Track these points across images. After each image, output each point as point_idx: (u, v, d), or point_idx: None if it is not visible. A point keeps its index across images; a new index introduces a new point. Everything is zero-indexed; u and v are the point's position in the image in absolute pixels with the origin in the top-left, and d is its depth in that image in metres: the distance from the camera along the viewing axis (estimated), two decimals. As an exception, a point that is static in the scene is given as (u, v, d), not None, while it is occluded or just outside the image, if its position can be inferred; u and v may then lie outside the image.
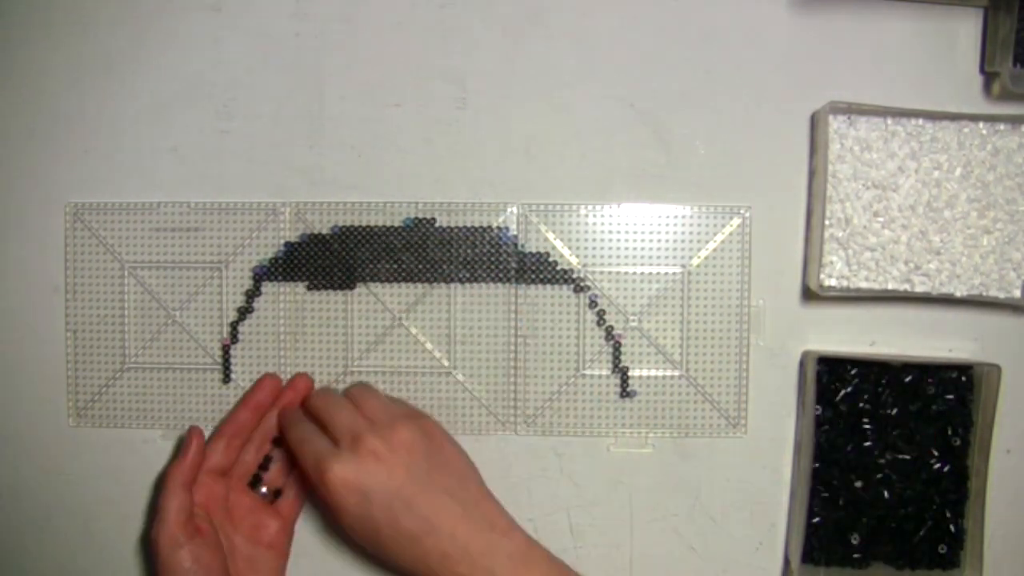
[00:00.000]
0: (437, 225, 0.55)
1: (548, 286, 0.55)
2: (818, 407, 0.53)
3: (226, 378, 0.56)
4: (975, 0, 0.53)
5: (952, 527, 0.54)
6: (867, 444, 0.53)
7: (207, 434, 0.54)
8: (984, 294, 0.53)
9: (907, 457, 0.53)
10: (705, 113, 0.55)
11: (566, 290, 0.55)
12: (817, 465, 0.53)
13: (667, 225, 0.55)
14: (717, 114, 0.55)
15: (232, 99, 0.56)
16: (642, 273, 0.55)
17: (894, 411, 0.53)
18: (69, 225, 0.56)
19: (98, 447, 0.57)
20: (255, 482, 0.53)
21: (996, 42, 0.51)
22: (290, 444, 0.50)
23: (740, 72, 0.55)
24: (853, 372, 0.53)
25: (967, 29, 0.54)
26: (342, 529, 0.48)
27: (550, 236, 0.55)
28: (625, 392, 0.55)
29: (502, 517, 0.48)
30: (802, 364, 0.55)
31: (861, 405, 0.53)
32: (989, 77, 0.54)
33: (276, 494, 0.53)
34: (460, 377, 0.56)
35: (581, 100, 0.55)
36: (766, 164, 0.55)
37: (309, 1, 0.55)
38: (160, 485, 0.52)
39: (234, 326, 0.56)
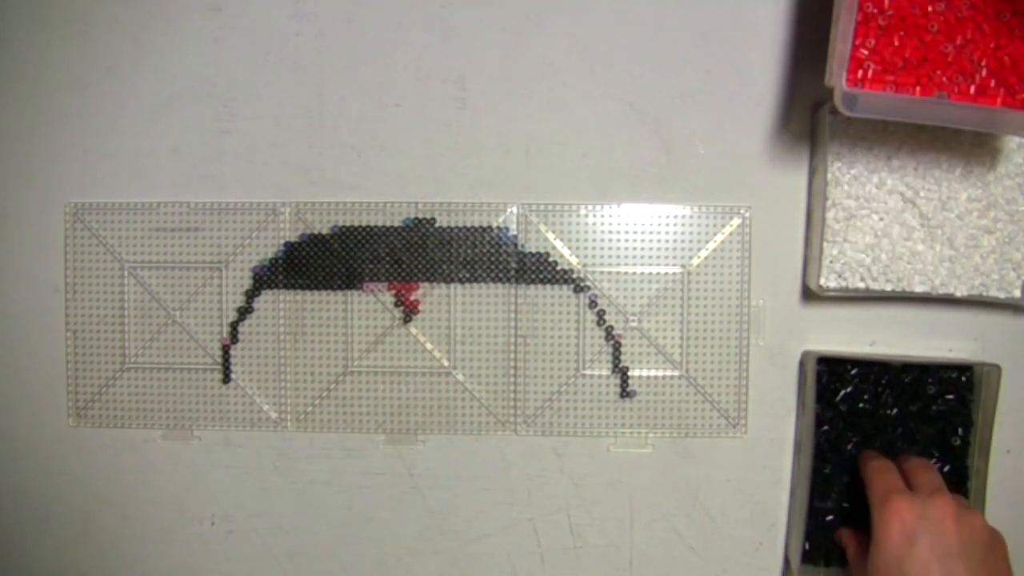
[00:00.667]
0: (437, 225, 0.55)
1: (548, 286, 0.55)
2: (818, 407, 0.53)
3: (226, 378, 0.56)
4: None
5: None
6: (867, 444, 0.53)
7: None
8: (984, 294, 0.53)
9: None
10: (705, 113, 0.55)
11: (566, 290, 0.55)
12: (817, 465, 0.53)
13: (667, 225, 0.55)
14: (717, 114, 0.55)
15: (232, 99, 0.56)
16: (642, 273, 0.55)
17: (894, 411, 0.53)
18: (69, 225, 0.56)
19: (98, 447, 0.57)
20: None
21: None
22: (867, 471, 0.50)
23: (740, 72, 0.55)
24: (853, 372, 0.53)
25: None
26: (869, 562, 0.47)
27: (550, 236, 0.55)
28: (625, 392, 0.55)
29: None
30: (802, 364, 0.55)
31: (861, 405, 0.53)
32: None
33: None
34: (460, 377, 0.56)
35: (581, 100, 0.55)
36: (766, 164, 0.55)
37: (309, 1, 0.55)
38: None
39: (234, 326, 0.56)
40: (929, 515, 0.46)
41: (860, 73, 0.46)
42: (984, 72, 0.46)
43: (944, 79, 0.46)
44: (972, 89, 0.46)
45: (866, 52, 0.46)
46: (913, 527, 0.46)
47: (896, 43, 0.46)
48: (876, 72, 0.46)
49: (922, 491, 0.48)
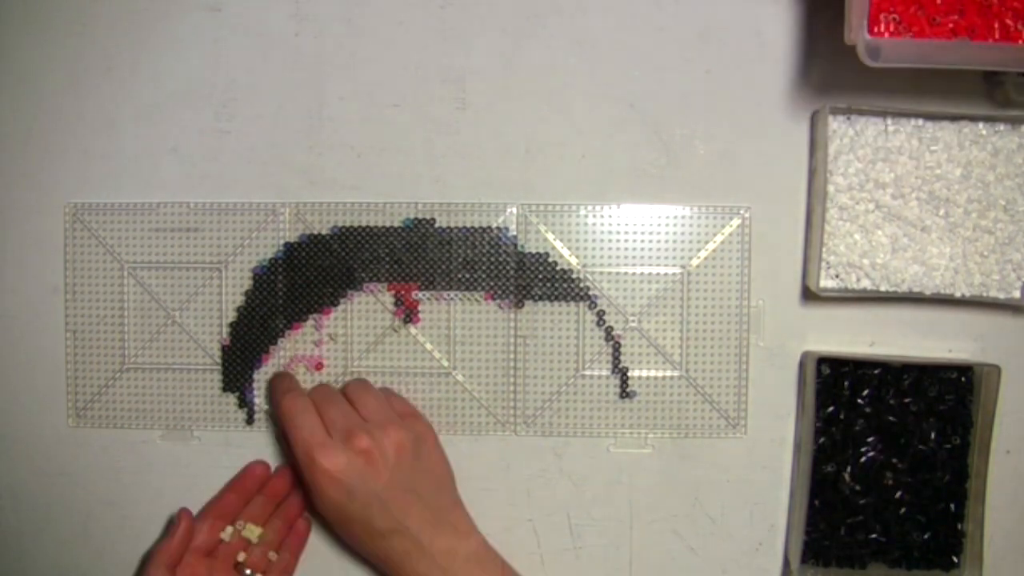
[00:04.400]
0: (437, 226, 0.55)
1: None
2: (818, 407, 0.53)
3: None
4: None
5: (952, 527, 0.54)
6: (867, 444, 0.53)
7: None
8: (984, 294, 0.53)
9: (907, 457, 0.53)
10: (705, 113, 0.55)
11: (574, 304, 0.55)
12: (817, 465, 0.53)
13: (667, 225, 0.55)
14: (717, 114, 0.55)
15: (232, 99, 0.56)
16: (642, 273, 0.55)
17: (894, 411, 0.53)
18: (69, 225, 0.56)
19: (98, 447, 0.57)
20: (241, 560, 0.52)
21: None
22: (282, 418, 0.51)
23: (740, 72, 0.55)
24: (853, 372, 0.53)
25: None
26: (317, 509, 0.50)
27: (550, 236, 0.55)
28: (625, 392, 0.55)
29: (465, 522, 0.52)
30: (802, 364, 0.55)
31: (861, 405, 0.53)
32: (990, 78, 0.54)
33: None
34: (460, 377, 0.56)
35: (581, 100, 0.55)
36: (766, 164, 0.55)
37: (309, 1, 0.55)
38: (145, 562, 0.53)
39: (233, 327, 0.56)
40: (352, 462, 0.48)
41: (881, 26, 0.47)
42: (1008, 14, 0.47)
43: (964, 25, 0.47)
44: (996, 31, 0.47)
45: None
46: (342, 479, 0.48)
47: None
48: (896, 22, 0.47)
49: (338, 432, 0.49)
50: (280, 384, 0.53)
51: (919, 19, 0.47)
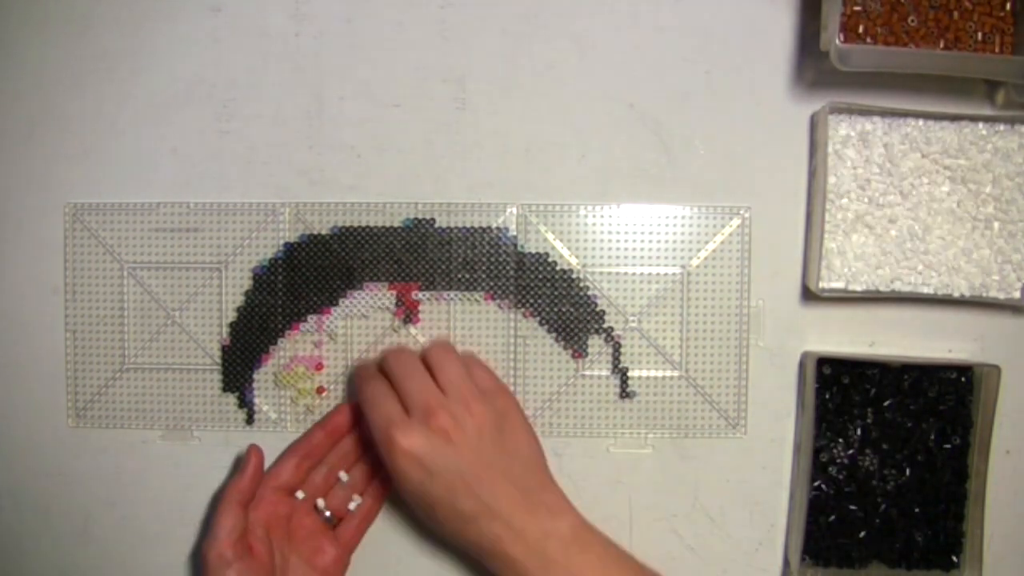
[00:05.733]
0: (436, 226, 0.55)
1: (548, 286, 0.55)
2: (817, 407, 0.53)
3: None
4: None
5: (951, 528, 0.54)
6: (867, 444, 0.53)
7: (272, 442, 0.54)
8: (984, 294, 0.53)
9: (906, 458, 0.53)
10: (705, 113, 0.55)
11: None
12: (817, 465, 0.53)
13: (667, 225, 0.55)
14: (717, 114, 0.55)
15: (232, 99, 0.56)
16: (642, 273, 0.55)
17: (894, 411, 0.53)
18: (69, 226, 0.56)
19: (97, 447, 0.57)
20: (320, 506, 0.52)
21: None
22: (362, 403, 0.50)
23: (740, 72, 0.55)
24: (853, 373, 0.53)
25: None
26: (400, 495, 0.49)
27: (550, 236, 0.55)
28: (625, 393, 0.55)
29: (560, 501, 0.49)
30: (802, 364, 0.55)
31: (861, 405, 0.53)
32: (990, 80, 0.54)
33: (340, 521, 0.53)
34: (460, 377, 0.56)
35: (581, 100, 0.55)
36: (766, 164, 0.55)
37: (309, 1, 0.55)
38: (216, 501, 0.52)
39: (233, 327, 0.56)
40: (432, 441, 0.46)
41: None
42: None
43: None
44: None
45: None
46: (422, 459, 0.46)
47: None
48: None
49: (416, 409, 0.47)
50: (360, 372, 0.52)
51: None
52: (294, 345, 0.56)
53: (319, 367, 0.56)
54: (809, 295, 0.54)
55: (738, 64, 0.55)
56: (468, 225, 0.55)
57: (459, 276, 0.55)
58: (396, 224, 0.55)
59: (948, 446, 0.53)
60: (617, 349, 0.55)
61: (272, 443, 0.56)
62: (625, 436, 0.55)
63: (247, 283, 0.56)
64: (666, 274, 0.55)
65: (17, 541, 0.57)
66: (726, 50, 0.55)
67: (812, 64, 0.54)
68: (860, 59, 0.49)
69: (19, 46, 0.56)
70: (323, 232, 0.55)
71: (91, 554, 0.57)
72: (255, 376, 0.56)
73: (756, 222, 0.55)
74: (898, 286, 0.52)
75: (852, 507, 0.53)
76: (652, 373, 0.55)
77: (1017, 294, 0.53)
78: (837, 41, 0.49)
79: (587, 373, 0.55)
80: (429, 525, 0.50)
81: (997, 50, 0.50)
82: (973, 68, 0.50)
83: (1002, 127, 0.52)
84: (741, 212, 0.55)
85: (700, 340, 0.55)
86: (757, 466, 0.55)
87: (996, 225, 0.53)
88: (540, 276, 0.55)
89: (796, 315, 0.55)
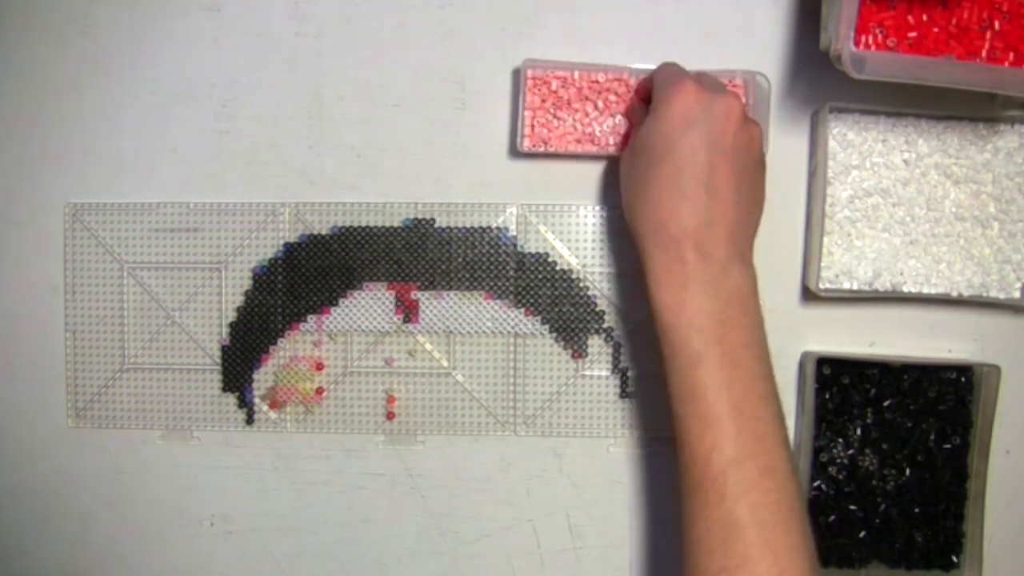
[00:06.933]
0: (437, 226, 0.55)
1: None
2: (817, 407, 0.53)
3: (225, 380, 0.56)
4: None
5: (951, 528, 0.54)
6: (867, 444, 0.53)
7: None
8: (984, 294, 0.53)
9: (906, 458, 0.53)
10: (705, 113, 0.55)
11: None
12: (816, 465, 0.53)
13: (667, 225, 0.55)
14: (717, 114, 0.55)
15: (232, 99, 0.56)
16: (642, 273, 0.55)
17: (894, 412, 0.53)
18: (69, 225, 0.56)
19: (97, 448, 0.57)
20: None
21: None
22: (658, 78, 0.48)
23: (740, 72, 0.54)
24: (853, 373, 0.53)
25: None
26: (640, 134, 0.47)
27: (549, 237, 0.55)
28: (625, 392, 0.55)
29: (750, 257, 0.46)
30: (802, 364, 0.55)
31: (861, 405, 0.53)
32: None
33: None
34: (460, 378, 0.56)
35: (581, 100, 0.55)
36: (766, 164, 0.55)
37: (309, 1, 0.55)
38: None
39: (233, 327, 0.56)
40: (714, 108, 0.45)
41: (867, 37, 0.47)
42: (991, 36, 0.47)
43: (952, 43, 0.47)
44: (983, 52, 0.47)
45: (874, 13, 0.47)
46: (695, 112, 0.45)
47: (903, 9, 0.47)
48: (883, 34, 0.48)
49: (714, 88, 0.46)
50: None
51: (909, 36, 0.47)
52: (294, 345, 0.56)
53: (319, 367, 0.56)
54: (809, 295, 0.54)
55: (738, 64, 0.54)
56: (468, 225, 0.55)
57: (459, 276, 0.55)
58: (396, 224, 0.55)
59: (948, 446, 0.53)
60: (617, 349, 0.55)
61: (272, 443, 0.56)
62: (625, 436, 0.55)
63: (247, 283, 0.56)
64: (666, 274, 0.55)
65: (17, 541, 0.57)
66: (726, 50, 0.55)
67: (817, 64, 0.54)
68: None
69: (19, 46, 0.56)
70: (323, 232, 0.55)
71: (91, 554, 0.57)
72: (255, 376, 0.56)
73: (756, 222, 0.55)
74: (898, 286, 0.52)
75: (852, 507, 0.53)
76: (652, 373, 0.55)
77: (1017, 294, 0.53)
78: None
79: (587, 373, 0.55)
80: (624, 179, 0.49)
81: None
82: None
83: (1002, 127, 0.52)
84: (741, 212, 0.55)
85: (700, 340, 0.55)
86: (757, 466, 0.55)
87: (996, 225, 0.53)
88: (540, 276, 0.55)
89: (796, 315, 0.55)
